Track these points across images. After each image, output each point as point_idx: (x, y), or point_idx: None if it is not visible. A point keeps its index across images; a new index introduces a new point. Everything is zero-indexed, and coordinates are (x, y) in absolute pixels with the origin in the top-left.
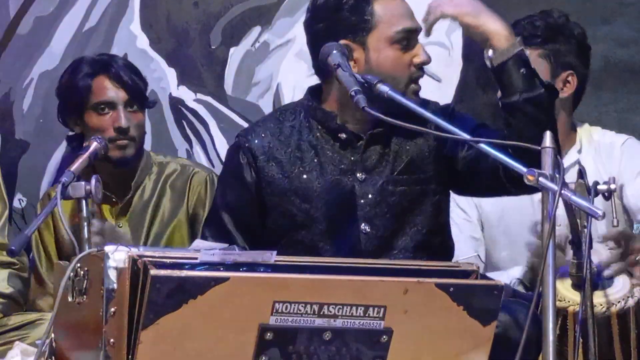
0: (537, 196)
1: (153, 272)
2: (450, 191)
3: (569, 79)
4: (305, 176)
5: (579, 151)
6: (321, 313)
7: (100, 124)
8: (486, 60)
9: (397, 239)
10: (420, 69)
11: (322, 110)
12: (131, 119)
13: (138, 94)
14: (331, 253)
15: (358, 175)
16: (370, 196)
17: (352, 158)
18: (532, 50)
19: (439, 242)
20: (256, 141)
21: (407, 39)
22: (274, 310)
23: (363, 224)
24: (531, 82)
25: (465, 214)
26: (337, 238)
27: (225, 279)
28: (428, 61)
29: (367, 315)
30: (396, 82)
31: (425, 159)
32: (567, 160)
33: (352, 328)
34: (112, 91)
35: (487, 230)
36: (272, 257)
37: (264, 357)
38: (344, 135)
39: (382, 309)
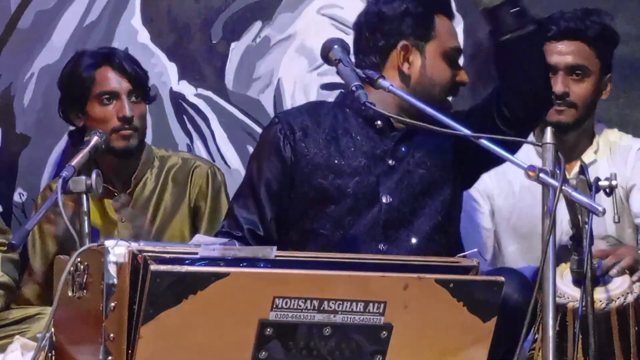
0: None
1: (153, 267)
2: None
3: (608, 81)
4: (339, 155)
5: (596, 152)
6: (321, 308)
7: (104, 115)
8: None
9: (416, 218)
10: (457, 88)
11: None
12: (134, 109)
13: (141, 85)
14: (355, 226)
15: (389, 161)
16: (394, 175)
17: (385, 146)
18: (591, 50)
19: (452, 232)
20: (294, 119)
21: (456, 57)
22: (274, 306)
23: (385, 196)
24: (522, 20)
25: (478, 205)
26: (362, 213)
27: (226, 274)
28: (467, 82)
29: (367, 310)
30: (438, 91)
31: (445, 152)
32: (584, 159)
33: (352, 323)
34: (115, 81)
35: (497, 223)
36: (272, 252)
37: (263, 352)
38: (379, 123)
39: (382, 305)
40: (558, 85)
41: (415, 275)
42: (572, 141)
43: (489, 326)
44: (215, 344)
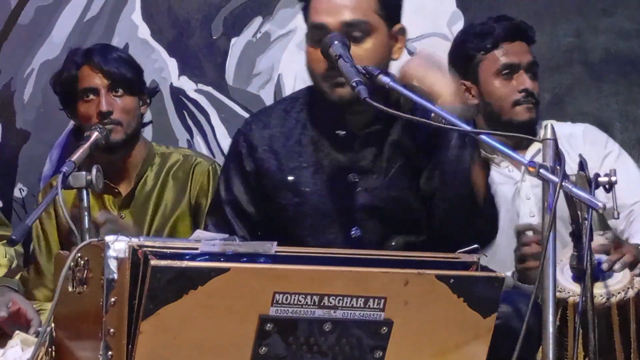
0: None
1: (153, 262)
2: None
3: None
4: (300, 171)
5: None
6: (321, 304)
7: (86, 111)
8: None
9: (388, 245)
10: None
11: (324, 107)
12: (115, 103)
13: (121, 79)
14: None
15: (350, 176)
16: (362, 200)
17: (348, 157)
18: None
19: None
20: (258, 131)
21: None
22: (274, 301)
23: (354, 228)
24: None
25: None
26: (327, 237)
27: (226, 270)
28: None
29: (367, 306)
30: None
31: (414, 163)
32: (529, 152)
33: (353, 319)
34: (94, 78)
35: None
36: (272, 247)
37: (264, 348)
38: (342, 133)
39: (383, 300)
40: (526, 82)
41: (415, 271)
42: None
43: (489, 322)
44: (215, 340)
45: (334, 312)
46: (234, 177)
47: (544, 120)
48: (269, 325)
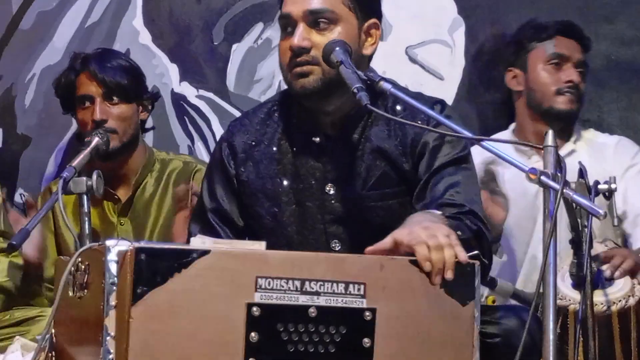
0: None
1: (136, 244)
2: None
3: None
4: (278, 179)
5: (575, 142)
6: (304, 290)
7: (82, 118)
8: None
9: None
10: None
11: (299, 111)
12: (110, 110)
13: (116, 87)
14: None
15: (327, 187)
16: (340, 212)
17: (324, 166)
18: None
19: None
20: (239, 136)
21: None
22: (258, 286)
23: (334, 241)
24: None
25: None
26: (304, 248)
27: (207, 252)
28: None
29: (348, 292)
30: None
31: (399, 168)
32: (562, 151)
33: (336, 306)
34: (89, 86)
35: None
36: (262, 246)
37: (253, 334)
38: (317, 139)
39: (362, 286)
40: (572, 74)
41: (389, 256)
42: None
43: (468, 310)
44: (205, 328)
45: (317, 298)
46: (217, 184)
47: (583, 130)
48: (255, 310)
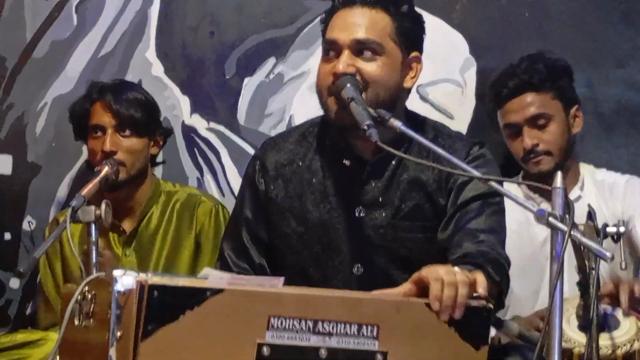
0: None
1: (150, 280)
2: None
3: (577, 113)
4: (307, 199)
5: (581, 188)
6: (316, 330)
7: (93, 147)
8: None
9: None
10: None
11: (333, 133)
12: (120, 143)
13: (129, 120)
14: (322, 283)
15: (356, 211)
16: (366, 237)
17: (355, 189)
18: (544, 95)
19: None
20: (272, 155)
21: None
22: (270, 326)
23: (356, 265)
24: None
25: None
26: (328, 269)
27: (220, 291)
28: None
29: (361, 334)
30: None
31: (433, 202)
32: (572, 194)
33: (347, 348)
34: (102, 116)
35: None
36: (279, 283)
37: None
38: (348, 162)
39: (376, 328)
40: (525, 140)
41: (406, 299)
42: None
43: (481, 356)
44: None
45: (329, 338)
46: (247, 200)
47: (598, 168)
48: (266, 351)
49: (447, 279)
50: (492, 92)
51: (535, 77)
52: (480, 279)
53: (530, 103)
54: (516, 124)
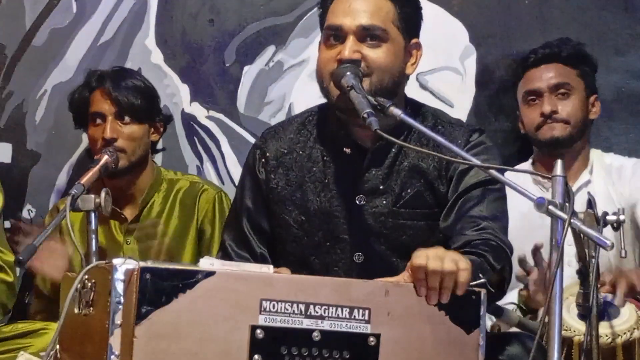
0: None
1: (142, 264)
2: None
3: (595, 102)
4: (307, 188)
5: (590, 172)
6: (308, 313)
7: (93, 135)
8: None
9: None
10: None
11: (333, 121)
12: (120, 130)
13: (128, 107)
14: (322, 270)
15: (357, 199)
16: (367, 225)
17: (355, 177)
18: (570, 69)
19: None
20: (272, 144)
21: None
22: (262, 309)
23: (357, 253)
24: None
25: None
26: (330, 257)
27: (212, 273)
28: None
29: (352, 317)
30: None
31: (433, 190)
32: (579, 181)
33: (340, 330)
34: (102, 103)
35: None
36: (269, 270)
37: (257, 357)
38: (348, 150)
39: (367, 311)
40: (545, 105)
41: (395, 281)
42: (567, 164)
43: (473, 339)
44: (208, 349)
45: (321, 322)
46: (248, 190)
47: (606, 152)
48: (259, 334)
49: (432, 266)
50: (519, 60)
51: (565, 51)
52: (463, 266)
53: (555, 71)
54: (538, 90)
